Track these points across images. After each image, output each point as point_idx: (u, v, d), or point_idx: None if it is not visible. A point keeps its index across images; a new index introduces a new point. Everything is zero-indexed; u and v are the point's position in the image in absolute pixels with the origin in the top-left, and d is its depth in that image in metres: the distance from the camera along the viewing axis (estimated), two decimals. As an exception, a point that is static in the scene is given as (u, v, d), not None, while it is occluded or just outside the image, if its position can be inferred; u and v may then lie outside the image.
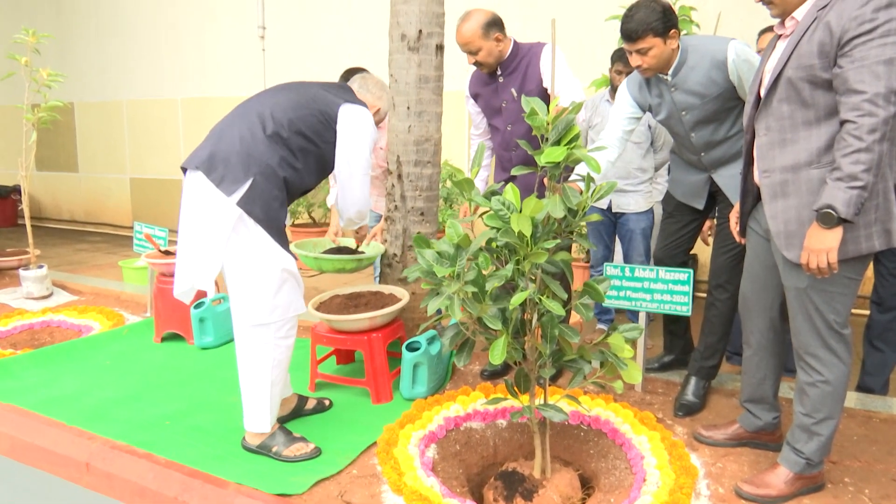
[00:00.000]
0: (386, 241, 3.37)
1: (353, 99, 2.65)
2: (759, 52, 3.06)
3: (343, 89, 2.70)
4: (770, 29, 3.01)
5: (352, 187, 2.64)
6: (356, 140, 2.57)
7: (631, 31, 2.53)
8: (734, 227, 2.47)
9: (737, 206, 2.42)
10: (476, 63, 3.03)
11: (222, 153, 2.34)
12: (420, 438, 2.55)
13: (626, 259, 3.82)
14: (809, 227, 1.96)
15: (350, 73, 3.62)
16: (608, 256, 3.91)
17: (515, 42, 3.04)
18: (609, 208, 3.77)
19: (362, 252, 3.20)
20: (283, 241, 2.42)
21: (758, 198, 2.27)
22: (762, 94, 2.11)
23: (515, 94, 2.99)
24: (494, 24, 2.93)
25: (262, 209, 2.33)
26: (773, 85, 2.05)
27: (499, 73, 3.05)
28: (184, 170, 2.43)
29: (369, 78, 2.87)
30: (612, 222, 3.83)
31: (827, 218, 1.88)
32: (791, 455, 2.22)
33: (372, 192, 4.03)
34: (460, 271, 1.98)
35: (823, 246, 1.90)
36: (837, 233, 1.89)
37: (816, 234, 1.92)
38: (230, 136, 2.38)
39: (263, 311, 2.39)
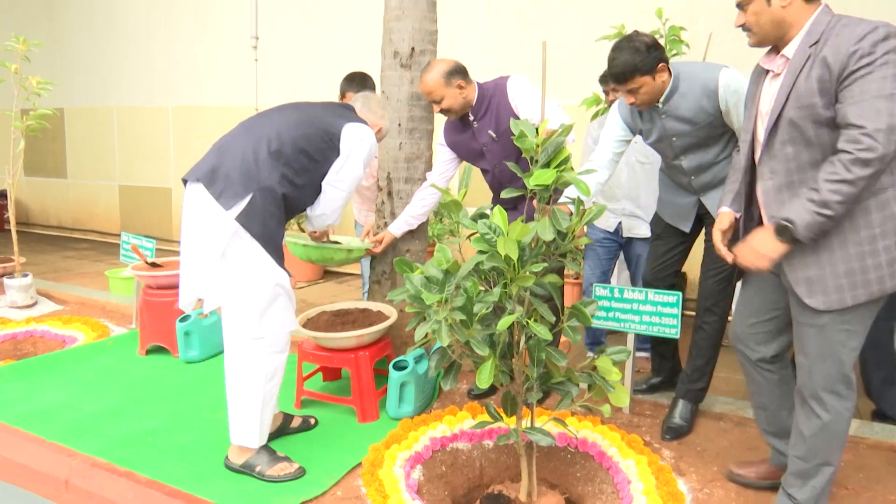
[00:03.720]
0: (376, 237, 3.32)
1: (356, 118, 2.67)
2: None
3: (345, 108, 2.73)
4: None
5: (332, 199, 2.63)
6: (354, 157, 2.60)
7: (618, 75, 2.51)
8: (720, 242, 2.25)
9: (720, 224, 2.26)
10: (442, 111, 2.99)
11: (224, 168, 2.38)
12: (406, 459, 2.52)
13: (633, 282, 3.76)
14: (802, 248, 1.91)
15: (352, 78, 3.61)
16: (604, 281, 3.73)
17: (480, 85, 3.00)
18: (617, 231, 3.67)
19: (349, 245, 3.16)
20: (279, 258, 2.44)
21: None
22: (761, 136, 2.04)
23: (495, 136, 2.96)
24: (456, 72, 2.91)
25: (259, 225, 2.36)
26: (774, 127, 1.97)
27: (471, 118, 3.01)
28: (184, 181, 2.46)
29: (372, 98, 2.87)
30: (619, 245, 3.72)
31: (783, 230, 1.88)
32: (785, 501, 2.14)
33: (361, 206, 4.01)
34: (448, 297, 1.97)
35: (766, 251, 1.92)
36: (784, 247, 1.90)
37: (765, 238, 1.93)
38: (233, 152, 2.41)
39: (255, 326, 2.40)
